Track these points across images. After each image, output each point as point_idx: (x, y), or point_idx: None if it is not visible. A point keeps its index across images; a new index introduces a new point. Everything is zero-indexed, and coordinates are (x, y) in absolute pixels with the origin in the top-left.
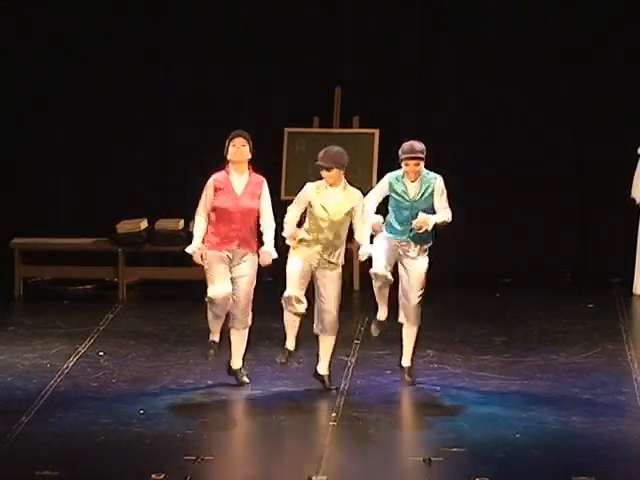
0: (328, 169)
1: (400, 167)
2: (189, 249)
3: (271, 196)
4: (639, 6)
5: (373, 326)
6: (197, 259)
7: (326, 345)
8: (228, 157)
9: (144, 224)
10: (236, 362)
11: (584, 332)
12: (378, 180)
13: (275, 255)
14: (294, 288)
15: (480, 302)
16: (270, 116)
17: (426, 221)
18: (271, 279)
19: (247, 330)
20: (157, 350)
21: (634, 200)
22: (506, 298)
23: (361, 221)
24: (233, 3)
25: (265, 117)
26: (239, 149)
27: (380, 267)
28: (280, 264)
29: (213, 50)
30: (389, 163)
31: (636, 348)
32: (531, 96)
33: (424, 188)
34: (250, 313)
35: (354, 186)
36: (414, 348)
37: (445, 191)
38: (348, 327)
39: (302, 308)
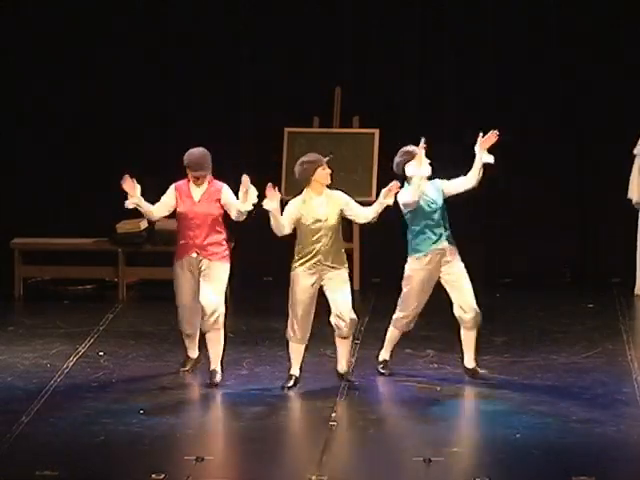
0: (328, 167)
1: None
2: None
3: None
4: (639, 6)
5: (381, 368)
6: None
7: (343, 344)
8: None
9: (144, 224)
10: (213, 363)
11: (584, 332)
12: (378, 180)
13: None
14: (299, 330)
15: (480, 302)
16: (270, 116)
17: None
18: (271, 279)
19: (221, 331)
20: (157, 350)
21: (631, 201)
22: (506, 298)
23: (359, 208)
24: (233, 3)
25: (265, 117)
26: (196, 180)
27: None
28: (280, 265)
29: (213, 50)
30: (389, 163)
31: (636, 348)
32: (531, 96)
33: (434, 188)
34: (221, 318)
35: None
36: (477, 346)
37: None
38: None
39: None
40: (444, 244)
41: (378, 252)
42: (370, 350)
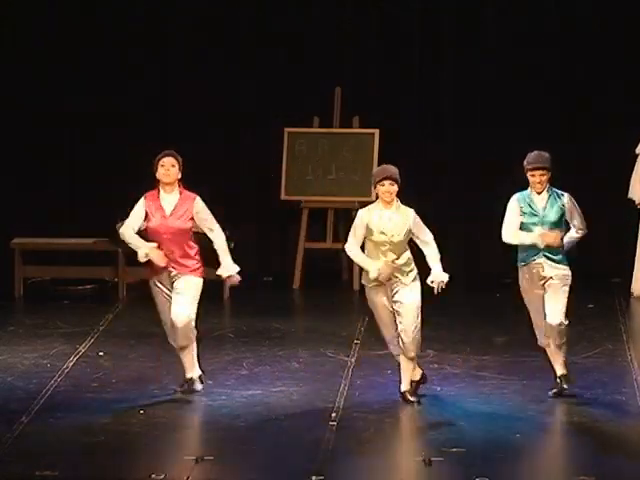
0: (390, 182)
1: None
2: (142, 256)
3: (271, 196)
4: (638, 4)
5: (557, 389)
6: (154, 257)
7: (406, 365)
8: (157, 177)
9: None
10: (188, 373)
11: (584, 332)
12: None
13: (237, 270)
14: (392, 344)
15: (480, 302)
16: (270, 116)
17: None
18: (271, 279)
19: (193, 345)
20: (157, 350)
21: (633, 201)
22: (506, 298)
23: (425, 243)
24: (234, 3)
25: (265, 117)
26: (168, 170)
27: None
28: (280, 265)
29: (213, 50)
30: (389, 163)
31: (636, 348)
32: (531, 96)
33: (552, 200)
34: (193, 332)
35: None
36: (565, 359)
37: (576, 203)
38: (348, 327)
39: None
40: (541, 259)
41: None
42: (370, 350)
